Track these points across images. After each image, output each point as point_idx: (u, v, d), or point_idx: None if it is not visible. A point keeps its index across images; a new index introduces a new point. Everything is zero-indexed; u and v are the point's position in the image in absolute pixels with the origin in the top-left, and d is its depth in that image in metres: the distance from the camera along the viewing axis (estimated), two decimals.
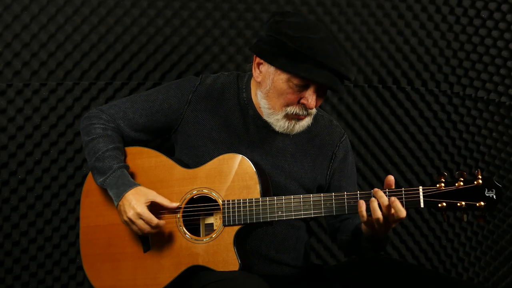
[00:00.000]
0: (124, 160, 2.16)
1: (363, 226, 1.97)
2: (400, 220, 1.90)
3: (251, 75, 2.17)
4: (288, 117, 2.06)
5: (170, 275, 2.06)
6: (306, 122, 2.10)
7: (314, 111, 2.08)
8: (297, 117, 2.06)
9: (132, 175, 2.15)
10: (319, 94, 2.04)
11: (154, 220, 2.03)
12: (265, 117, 2.10)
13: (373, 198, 1.90)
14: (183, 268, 2.05)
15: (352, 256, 2.74)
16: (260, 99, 2.09)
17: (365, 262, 2.20)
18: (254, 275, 1.97)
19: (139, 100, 2.22)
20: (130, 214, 2.03)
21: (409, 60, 2.78)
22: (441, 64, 2.79)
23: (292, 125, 2.07)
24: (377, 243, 2.05)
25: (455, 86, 2.82)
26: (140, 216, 2.03)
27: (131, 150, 2.20)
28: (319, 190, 2.23)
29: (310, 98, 2.01)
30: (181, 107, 2.18)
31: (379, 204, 1.88)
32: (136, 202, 2.03)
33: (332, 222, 2.27)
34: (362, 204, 1.90)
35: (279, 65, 1.99)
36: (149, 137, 2.25)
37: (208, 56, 2.64)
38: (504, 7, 2.74)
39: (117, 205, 2.07)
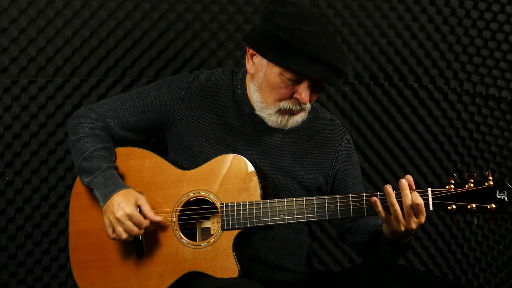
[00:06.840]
0: (114, 161, 2.13)
1: (383, 226, 1.95)
2: (420, 213, 1.84)
3: (246, 71, 2.15)
4: (281, 112, 2.05)
5: (165, 282, 2.02)
6: (300, 117, 2.08)
7: (308, 106, 2.07)
8: (290, 112, 2.04)
9: (125, 176, 2.11)
10: (314, 88, 2.02)
11: (144, 222, 1.99)
12: (258, 112, 2.09)
13: (389, 191, 1.84)
14: (180, 274, 2.01)
15: (356, 262, 2.85)
16: (253, 93, 2.09)
17: (370, 268, 2.16)
18: (255, 282, 1.94)
19: (129, 98, 2.19)
20: (119, 214, 1.98)
21: (417, 56, 2.76)
22: (450, 60, 2.77)
23: (285, 120, 2.06)
24: (397, 247, 2.00)
25: (465, 83, 2.80)
26: (129, 218, 1.98)
27: (123, 151, 2.15)
28: (319, 191, 2.20)
29: (303, 93, 1.99)
30: (174, 104, 2.15)
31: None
32: (125, 203, 1.99)
33: (341, 223, 2.23)
34: (377, 201, 1.86)
35: (271, 58, 1.98)
36: (141, 136, 2.22)
37: (205, 51, 2.64)
38: None
39: (104, 205, 2.03)
